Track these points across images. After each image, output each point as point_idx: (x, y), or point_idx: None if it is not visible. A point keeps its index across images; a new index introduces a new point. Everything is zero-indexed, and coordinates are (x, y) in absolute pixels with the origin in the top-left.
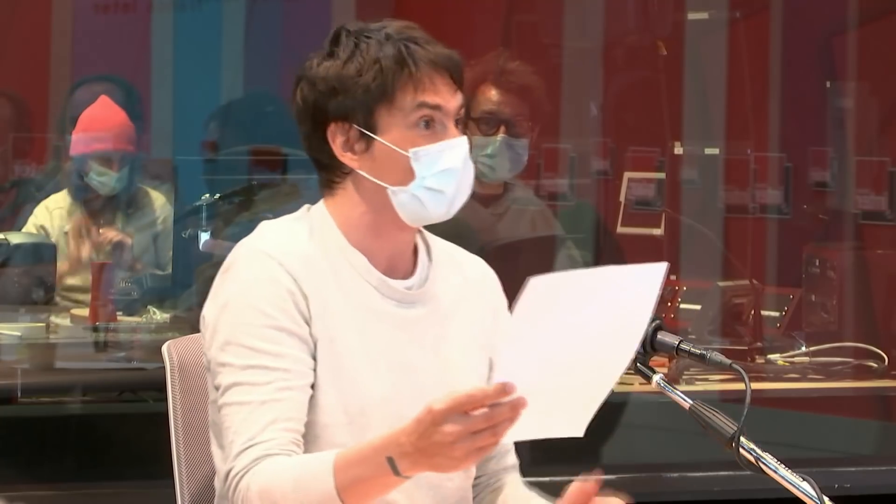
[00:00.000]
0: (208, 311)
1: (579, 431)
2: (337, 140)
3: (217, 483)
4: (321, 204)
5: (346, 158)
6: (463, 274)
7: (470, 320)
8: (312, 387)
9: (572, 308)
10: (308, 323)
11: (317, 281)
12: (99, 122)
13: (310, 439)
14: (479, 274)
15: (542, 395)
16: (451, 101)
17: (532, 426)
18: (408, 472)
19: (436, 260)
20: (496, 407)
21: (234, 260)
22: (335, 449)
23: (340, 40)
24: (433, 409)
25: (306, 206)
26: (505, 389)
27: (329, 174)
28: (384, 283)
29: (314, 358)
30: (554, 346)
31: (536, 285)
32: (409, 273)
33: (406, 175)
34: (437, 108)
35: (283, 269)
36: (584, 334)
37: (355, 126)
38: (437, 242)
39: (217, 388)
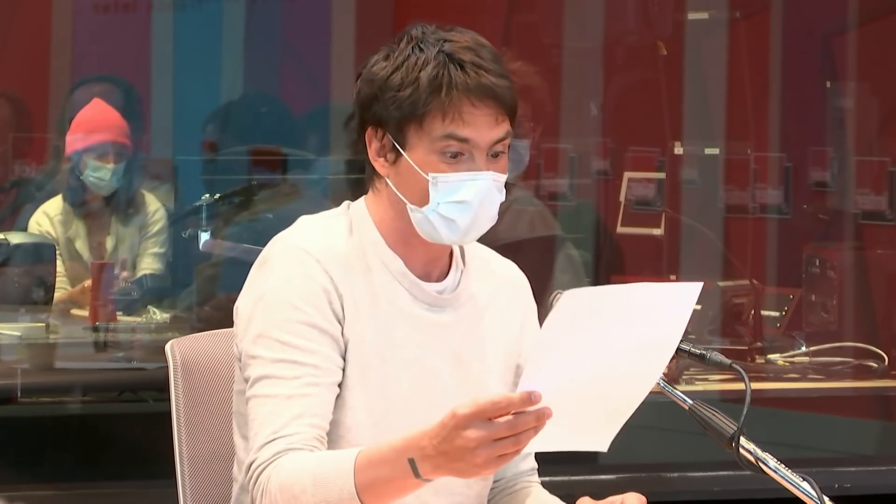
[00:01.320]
0: (243, 303)
1: (603, 447)
2: (372, 144)
3: (237, 474)
4: (361, 201)
5: (378, 164)
6: (495, 279)
7: (499, 326)
8: (340, 386)
9: (604, 323)
10: (341, 322)
11: (352, 280)
12: (93, 119)
13: (333, 439)
14: (510, 279)
15: (567, 407)
16: (486, 133)
17: (555, 438)
18: (428, 476)
19: (469, 264)
20: (520, 415)
21: (272, 254)
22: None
23: (402, 43)
24: (457, 413)
25: (346, 202)
26: (531, 399)
27: (370, 171)
28: (417, 286)
29: (344, 358)
30: (583, 359)
31: (570, 298)
32: (442, 276)
33: (423, 197)
34: (464, 140)
35: (321, 267)
36: (613, 349)
37: (388, 136)
38: (471, 245)
39: (246, 380)
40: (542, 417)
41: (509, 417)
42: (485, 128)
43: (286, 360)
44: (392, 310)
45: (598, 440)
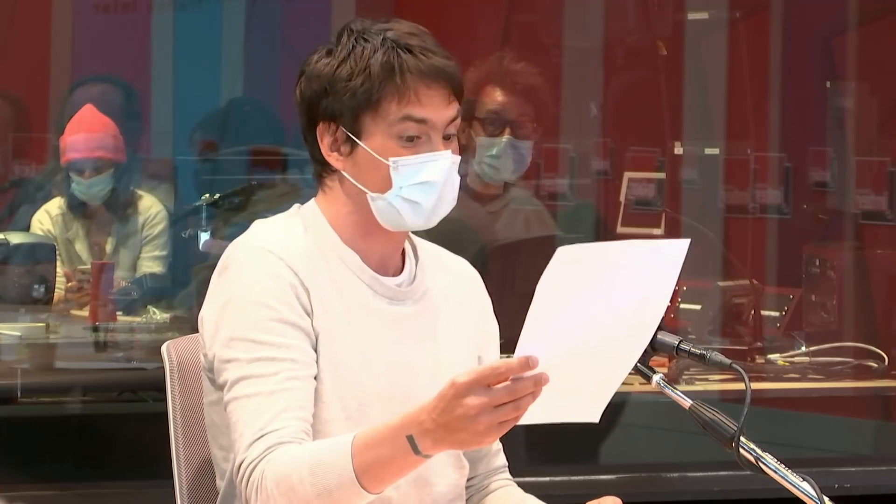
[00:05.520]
0: (207, 311)
1: (595, 417)
2: (325, 139)
3: (219, 484)
4: (312, 202)
5: (332, 159)
6: (449, 274)
7: (458, 318)
8: (315, 379)
9: (596, 280)
10: (310, 316)
11: (316, 275)
12: (75, 131)
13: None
14: (465, 274)
15: (562, 373)
16: (441, 113)
17: (549, 409)
18: (428, 451)
19: (422, 259)
20: (519, 381)
21: (232, 259)
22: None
23: (342, 39)
24: (456, 381)
25: (296, 204)
26: (528, 363)
27: (321, 169)
28: (376, 280)
29: (315, 351)
30: (576, 319)
31: (563, 254)
32: (398, 271)
33: (385, 183)
34: (422, 121)
35: (284, 264)
36: (605, 309)
37: (342, 128)
38: (422, 243)
39: (222, 387)
40: (539, 382)
41: (508, 383)
42: (439, 107)
43: (263, 359)
44: (354, 304)
45: (590, 410)
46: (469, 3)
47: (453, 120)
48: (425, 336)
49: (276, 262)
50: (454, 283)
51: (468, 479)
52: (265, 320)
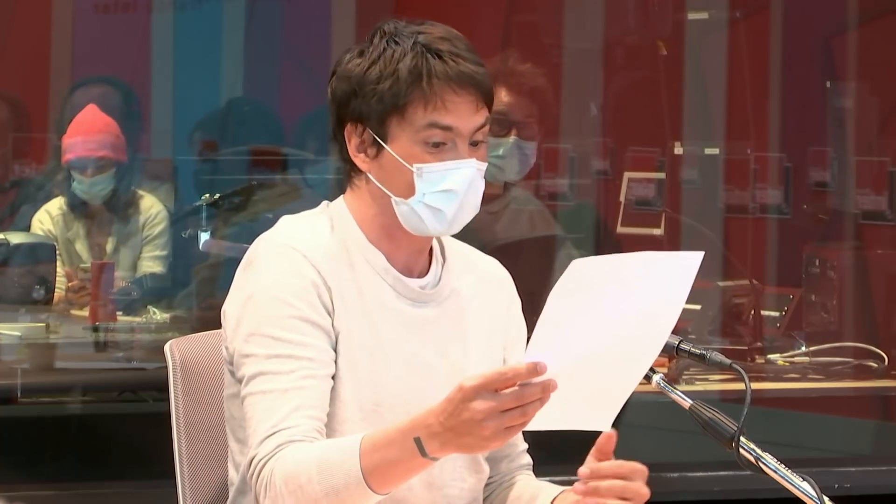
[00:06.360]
0: (230, 306)
1: (605, 426)
2: (352, 140)
3: (234, 476)
4: (340, 199)
5: (359, 160)
6: (477, 273)
7: (483, 320)
8: (333, 378)
9: (609, 292)
10: (331, 315)
11: (339, 275)
12: (77, 130)
13: (328, 432)
14: (492, 273)
15: (571, 381)
16: (468, 121)
17: (558, 415)
18: (435, 454)
19: (450, 259)
20: (526, 386)
21: (257, 254)
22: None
23: (374, 39)
24: (464, 385)
25: (325, 202)
26: (536, 369)
27: (349, 168)
28: (400, 281)
29: (335, 350)
30: (587, 329)
31: (577, 266)
32: (423, 272)
33: (408, 188)
34: (447, 128)
35: (308, 262)
36: (617, 320)
37: (368, 130)
38: (451, 242)
39: (240, 381)
40: (547, 388)
41: (515, 388)
42: (466, 115)
43: (281, 356)
44: (376, 305)
45: (601, 419)
46: (469, 3)
47: (481, 127)
48: (447, 339)
49: (300, 260)
50: (481, 283)
51: (490, 477)
52: (285, 317)
